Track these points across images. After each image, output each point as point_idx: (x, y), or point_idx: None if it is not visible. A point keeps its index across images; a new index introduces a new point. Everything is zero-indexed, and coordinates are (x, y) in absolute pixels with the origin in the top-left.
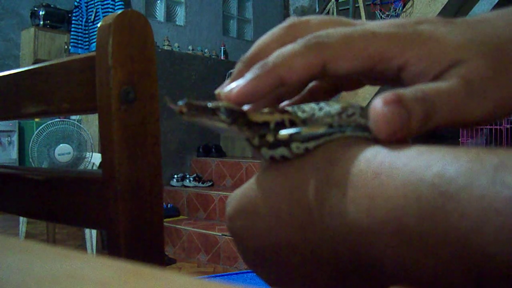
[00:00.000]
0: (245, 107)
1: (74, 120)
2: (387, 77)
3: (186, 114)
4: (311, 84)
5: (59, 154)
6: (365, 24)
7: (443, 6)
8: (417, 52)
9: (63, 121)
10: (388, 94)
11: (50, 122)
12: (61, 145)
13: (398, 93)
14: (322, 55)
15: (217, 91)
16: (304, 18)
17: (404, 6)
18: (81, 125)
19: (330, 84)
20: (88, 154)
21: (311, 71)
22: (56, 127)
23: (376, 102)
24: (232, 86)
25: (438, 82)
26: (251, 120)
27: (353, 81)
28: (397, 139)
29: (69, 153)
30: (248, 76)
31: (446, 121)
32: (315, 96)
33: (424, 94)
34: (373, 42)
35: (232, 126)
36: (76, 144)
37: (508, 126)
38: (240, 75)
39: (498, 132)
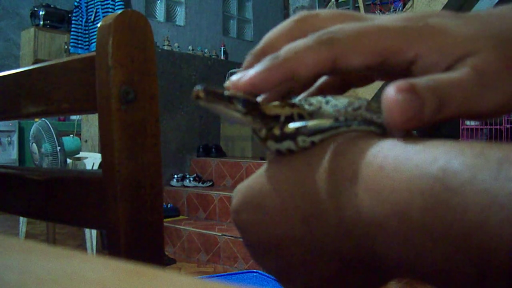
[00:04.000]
0: (259, 99)
1: (74, 120)
2: (397, 71)
3: (202, 100)
4: (320, 80)
5: (32, 153)
6: (375, 19)
7: (443, 6)
8: (428, 44)
9: (43, 121)
10: (402, 82)
11: (36, 122)
12: (33, 144)
13: (411, 81)
14: (333, 50)
15: (225, 84)
16: (314, 12)
17: (404, 6)
18: (50, 127)
19: (340, 80)
20: (58, 152)
21: (322, 66)
22: (33, 126)
23: (389, 90)
24: (241, 74)
25: (450, 72)
26: (265, 112)
27: (363, 77)
28: (409, 128)
29: (36, 153)
30: (258, 67)
31: (458, 111)
32: (324, 93)
33: (437, 84)
34: (384, 36)
35: (246, 116)
36: (40, 145)
37: (508, 126)
38: (249, 67)
39: (498, 132)
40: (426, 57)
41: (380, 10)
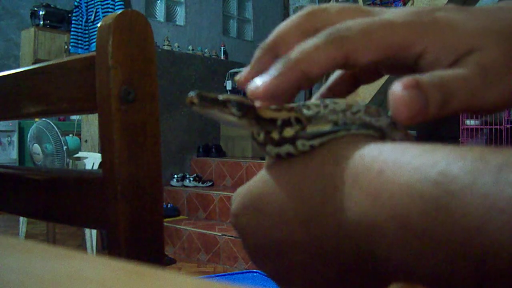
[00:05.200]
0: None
1: (74, 120)
2: (405, 65)
3: (197, 105)
4: (330, 81)
5: (34, 153)
6: (383, 13)
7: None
8: (435, 39)
9: (44, 121)
10: (407, 79)
11: (38, 121)
12: (34, 145)
13: (416, 78)
14: (343, 48)
15: (237, 77)
16: (323, 6)
17: (404, 6)
18: (54, 127)
19: (349, 78)
20: (63, 151)
21: (334, 64)
22: (35, 126)
23: (396, 86)
24: (257, 83)
25: (455, 68)
26: (260, 115)
27: (372, 73)
28: (415, 122)
29: (39, 154)
30: (272, 72)
31: (462, 107)
32: (335, 92)
33: (441, 80)
34: (392, 31)
35: (242, 120)
36: (44, 146)
37: (508, 126)
38: (259, 62)
39: (498, 132)
40: (432, 52)
41: None
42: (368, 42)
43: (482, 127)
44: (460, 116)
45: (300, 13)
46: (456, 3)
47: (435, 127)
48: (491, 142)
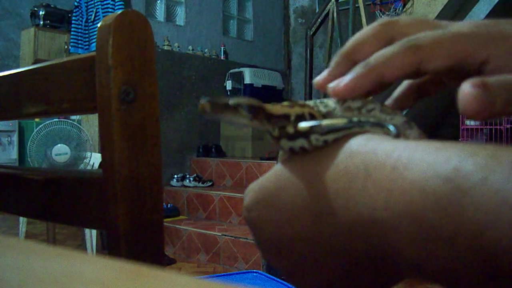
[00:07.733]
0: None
1: (74, 120)
2: (470, 72)
3: (209, 112)
4: (396, 92)
5: (56, 154)
6: (450, 25)
7: (443, 6)
8: (499, 47)
9: (61, 121)
10: (476, 79)
11: (48, 122)
12: (58, 145)
13: (483, 79)
14: (417, 55)
15: (315, 80)
16: (395, 18)
17: (404, 6)
18: (79, 125)
19: (415, 90)
20: (87, 154)
21: (408, 70)
22: (54, 127)
23: (465, 85)
24: (338, 81)
25: None
26: (271, 113)
27: (437, 84)
28: (482, 118)
29: (67, 153)
30: (353, 73)
31: None
32: (400, 103)
33: (506, 82)
34: (460, 41)
35: (254, 121)
36: (74, 144)
37: (508, 126)
38: (337, 66)
39: (498, 132)
40: (497, 59)
41: (380, 10)
42: (439, 49)
43: (482, 127)
44: (460, 116)
45: (374, 24)
46: (449, 11)
47: (434, 127)
48: (491, 142)
